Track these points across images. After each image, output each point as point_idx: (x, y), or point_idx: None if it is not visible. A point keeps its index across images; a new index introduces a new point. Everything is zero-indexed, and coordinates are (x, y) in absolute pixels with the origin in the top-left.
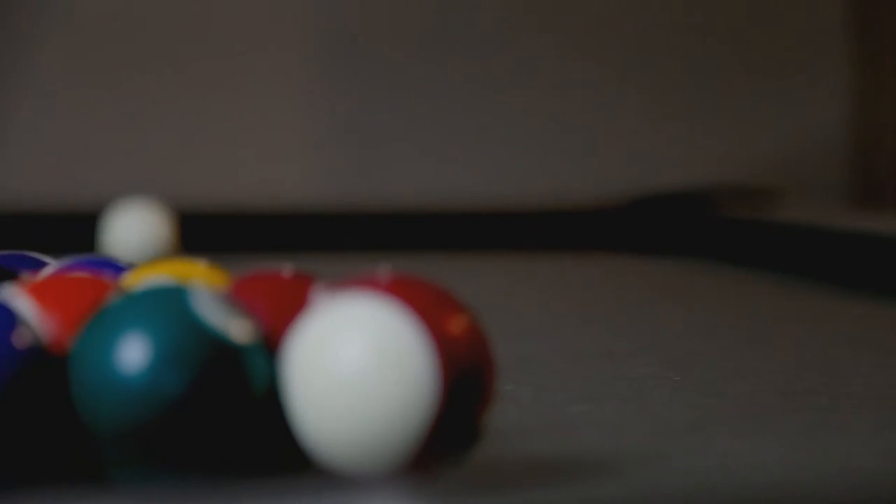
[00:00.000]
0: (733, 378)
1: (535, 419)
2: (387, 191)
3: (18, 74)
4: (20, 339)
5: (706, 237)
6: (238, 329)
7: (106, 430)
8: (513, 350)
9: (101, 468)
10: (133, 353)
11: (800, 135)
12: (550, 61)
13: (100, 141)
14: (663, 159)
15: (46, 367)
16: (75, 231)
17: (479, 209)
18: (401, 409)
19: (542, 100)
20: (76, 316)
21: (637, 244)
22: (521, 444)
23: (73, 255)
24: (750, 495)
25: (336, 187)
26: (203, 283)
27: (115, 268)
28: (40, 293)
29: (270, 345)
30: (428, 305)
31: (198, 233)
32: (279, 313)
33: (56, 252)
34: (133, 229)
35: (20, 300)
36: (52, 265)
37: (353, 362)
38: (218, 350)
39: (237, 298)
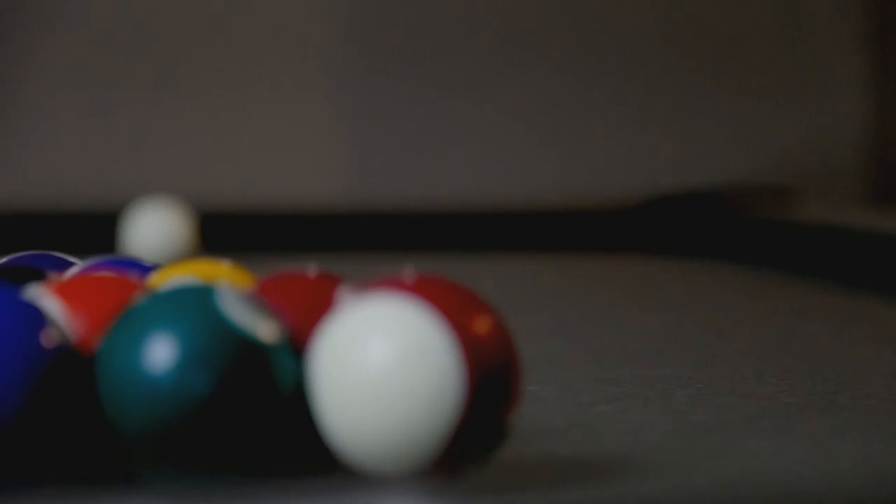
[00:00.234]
0: (755, 379)
1: (560, 419)
2: (408, 191)
3: (41, 73)
4: (48, 339)
5: (725, 237)
6: (265, 329)
7: (133, 429)
8: (534, 350)
9: (127, 468)
10: (160, 353)
11: (819, 134)
12: (570, 60)
13: (120, 140)
14: (681, 159)
15: (74, 366)
16: (96, 231)
17: (499, 210)
18: (427, 409)
19: (561, 99)
20: (103, 316)
21: (655, 244)
22: (545, 445)
23: (95, 255)
24: (774, 496)
25: (356, 187)
26: (229, 283)
27: (142, 268)
28: (67, 293)
29: (296, 345)
30: (454, 305)
31: (218, 233)
32: (305, 313)
33: (77, 252)
34: (153, 229)
35: (47, 300)
36: (78, 265)
37: (379, 362)
38: (245, 350)
39: (263, 299)
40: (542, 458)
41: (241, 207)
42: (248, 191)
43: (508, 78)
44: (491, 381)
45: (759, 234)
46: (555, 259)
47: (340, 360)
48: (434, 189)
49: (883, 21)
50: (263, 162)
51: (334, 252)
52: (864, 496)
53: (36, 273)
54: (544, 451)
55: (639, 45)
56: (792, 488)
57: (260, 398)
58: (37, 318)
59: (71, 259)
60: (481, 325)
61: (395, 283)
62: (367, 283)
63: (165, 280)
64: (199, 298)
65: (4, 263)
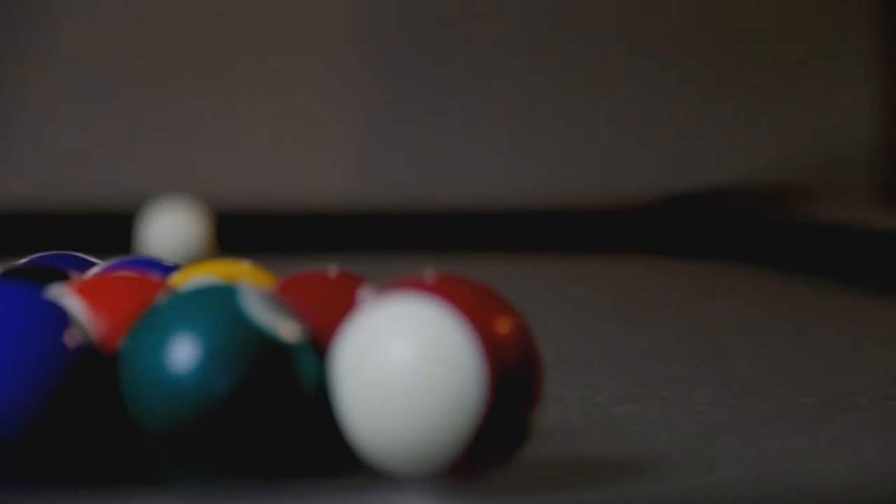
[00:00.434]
0: (773, 379)
1: (580, 419)
2: (426, 191)
3: (56, 71)
4: (71, 339)
5: (736, 237)
6: (287, 329)
7: (155, 429)
8: (554, 351)
9: (150, 467)
10: (183, 353)
11: (832, 133)
12: (584, 59)
13: (136, 140)
14: (696, 159)
15: (96, 366)
16: (113, 231)
17: (516, 210)
18: (449, 409)
19: (576, 99)
20: (125, 315)
21: (665, 245)
22: (566, 445)
23: (113, 255)
24: (793, 496)
25: (374, 188)
26: (250, 283)
27: (163, 268)
28: (89, 293)
29: (318, 345)
30: (475, 305)
31: (234, 233)
32: (327, 313)
33: (94, 252)
34: (170, 229)
35: (70, 300)
36: (100, 265)
37: (401, 362)
38: (267, 349)
39: (284, 299)
40: (564, 459)
41: (256, 207)
42: (264, 191)
43: (529, 80)
44: (513, 381)
45: (775, 234)
46: (570, 260)
47: (362, 359)
48: (450, 190)
49: (892, 19)
50: (279, 162)
51: (350, 252)
52: (883, 496)
53: (58, 273)
54: (565, 451)
55: (654, 49)
56: (812, 489)
57: (282, 398)
58: (60, 317)
59: (92, 259)
60: (503, 325)
61: (416, 283)
62: (389, 282)
63: (187, 280)
64: (222, 298)
65: (26, 263)
